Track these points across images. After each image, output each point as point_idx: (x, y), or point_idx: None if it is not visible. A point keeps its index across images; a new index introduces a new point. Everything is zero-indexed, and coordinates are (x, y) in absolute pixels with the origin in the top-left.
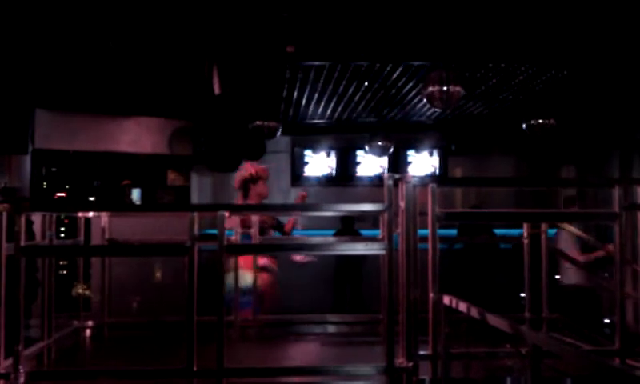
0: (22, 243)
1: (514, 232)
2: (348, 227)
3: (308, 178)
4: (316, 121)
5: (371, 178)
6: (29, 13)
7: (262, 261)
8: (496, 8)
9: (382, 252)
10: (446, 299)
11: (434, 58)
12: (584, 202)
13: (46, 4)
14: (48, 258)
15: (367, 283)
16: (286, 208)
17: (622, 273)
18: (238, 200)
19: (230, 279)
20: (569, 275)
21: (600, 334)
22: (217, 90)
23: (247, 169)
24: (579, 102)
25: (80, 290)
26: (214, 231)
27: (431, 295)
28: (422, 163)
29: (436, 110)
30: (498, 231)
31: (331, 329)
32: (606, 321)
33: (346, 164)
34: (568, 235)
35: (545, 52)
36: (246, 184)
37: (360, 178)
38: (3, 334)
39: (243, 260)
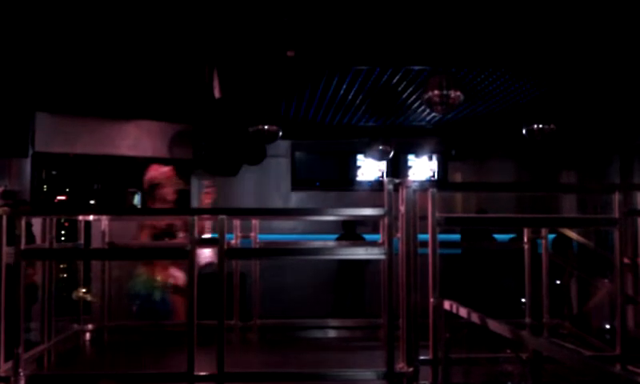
0: (22, 246)
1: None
2: (350, 232)
3: (308, 182)
4: (316, 125)
5: (371, 183)
6: (30, 16)
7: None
8: (496, 13)
9: (382, 256)
10: (447, 304)
11: (433, 63)
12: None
13: (47, 7)
14: (48, 262)
15: (368, 288)
16: (287, 212)
17: (622, 278)
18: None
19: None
20: None
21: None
22: (217, 94)
23: (151, 172)
24: (579, 107)
25: (80, 294)
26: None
27: (432, 300)
28: (422, 168)
29: (436, 114)
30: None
31: (332, 333)
32: (607, 326)
33: (346, 168)
34: None
35: (544, 57)
36: (151, 188)
37: (360, 182)
38: (3, 336)
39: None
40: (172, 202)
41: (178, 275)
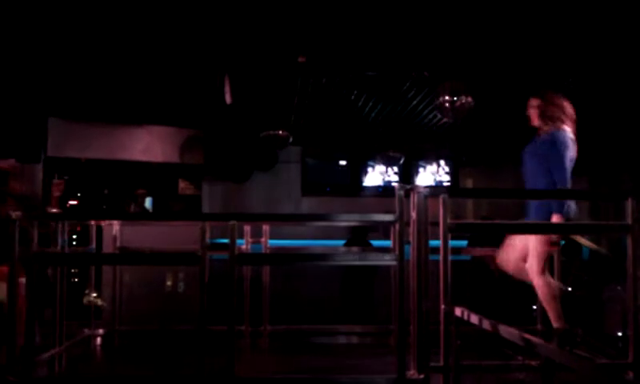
0: (34, 250)
1: None
2: (358, 237)
3: (318, 188)
4: (327, 131)
5: (381, 189)
6: (44, 23)
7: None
8: (505, 20)
9: (393, 263)
10: (458, 311)
11: (444, 69)
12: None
13: (61, 15)
14: (60, 266)
15: (377, 294)
16: (297, 218)
17: (635, 285)
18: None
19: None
20: None
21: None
22: (228, 100)
23: None
24: (591, 114)
25: (91, 298)
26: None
27: (442, 306)
28: (432, 174)
29: (446, 120)
30: None
31: (342, 340)
32: (619, 334)
33: (357, 174)
34: None
35: (554, 61)
36: None
37: (370, 188)
38: (16, 339)
39: None
40: (20, 195)
41: None
